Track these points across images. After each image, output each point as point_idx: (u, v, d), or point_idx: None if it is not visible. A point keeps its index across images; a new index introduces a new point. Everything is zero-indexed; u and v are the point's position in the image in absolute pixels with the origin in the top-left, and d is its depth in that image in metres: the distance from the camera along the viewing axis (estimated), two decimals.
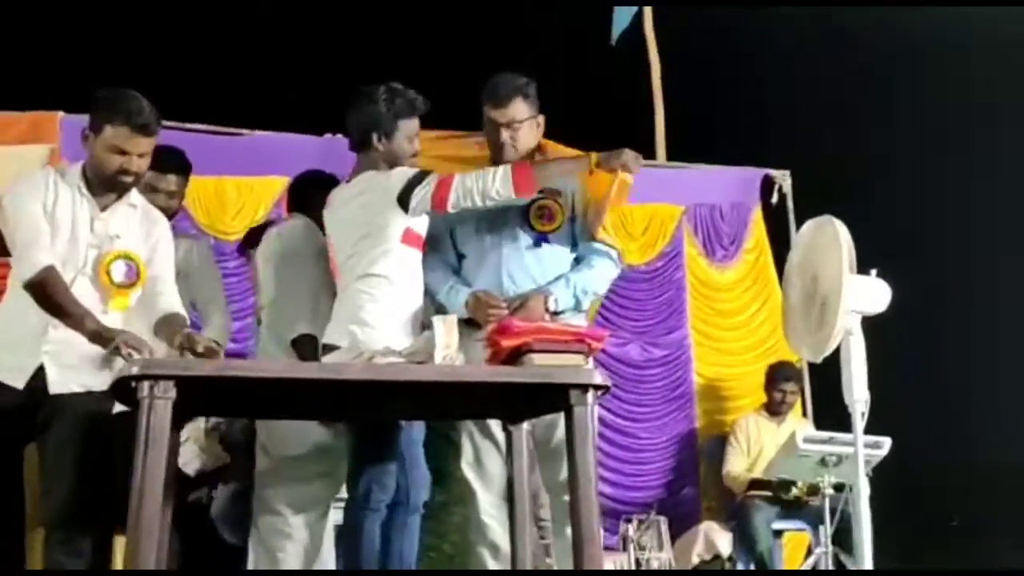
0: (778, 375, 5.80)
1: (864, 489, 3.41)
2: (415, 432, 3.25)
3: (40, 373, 2.95)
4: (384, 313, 3.09)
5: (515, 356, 2.79)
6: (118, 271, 3.03)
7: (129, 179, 3.07)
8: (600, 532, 2.52)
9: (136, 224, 3.14)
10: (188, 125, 5.69)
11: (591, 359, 2.82)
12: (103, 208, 3.09)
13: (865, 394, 3.37)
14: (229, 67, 6.17)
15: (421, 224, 3.24)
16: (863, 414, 3.39)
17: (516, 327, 2.76)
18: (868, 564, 3.24)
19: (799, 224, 6.46)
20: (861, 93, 6.32)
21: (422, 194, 3.14)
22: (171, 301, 3.09)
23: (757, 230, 6.59)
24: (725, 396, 6.34)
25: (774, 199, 6.54)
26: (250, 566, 3.49)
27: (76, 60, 5.81)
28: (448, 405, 2.92)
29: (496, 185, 3.12)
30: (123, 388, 2.35)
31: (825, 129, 6.04)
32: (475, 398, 2.78)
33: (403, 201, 3.15)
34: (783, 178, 6.57)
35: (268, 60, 6.10)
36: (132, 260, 3.06)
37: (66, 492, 2.90)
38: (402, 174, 3.20)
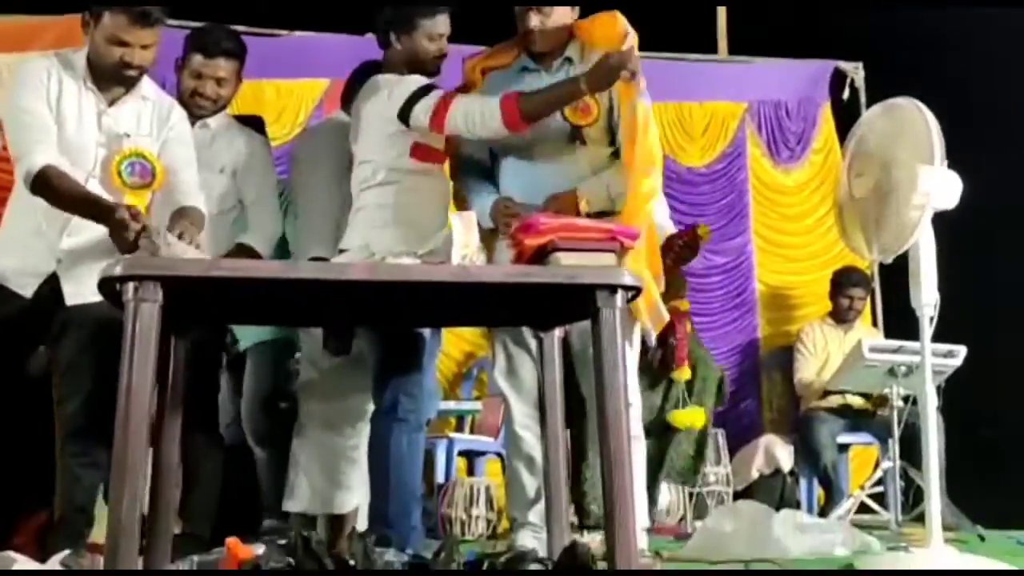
0: (844, 280, 5.47)
1: (932, 401, 3.11)
2: (427, 342, 3.07)
3: (51, 281, 2.81)
4: (400, 219, 2.94)
5: (540, 256, 2.55)
6: (129, 171, 2.80)
7: (132, 72, 2.84)
8: (630, 454, 2.29)
9: (147, 118, 2.93)
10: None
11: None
12: (111, 102, 2.88)
13: (935, 296, 3.05)
14: None
15: (434, 137, 3.04)
16: (932, 319, 3.08)
17: (540, 224, 2.51)
18: (935, 482, 2.97)
19: None
20: None
21: (421, 111, 2.96)
22: (185, 194, 2.90)
23: (826, 128, 6.21)
24: (789, 305, 6.05)
25: (845, 94, 6.15)
26: (290, 481, 3.33)
27: None
28: (469, 311, 2.71)
29: (486, 118, 2.92)
30: (110, 288, 2.18)
31: (902, 16, 5.56)
32: (497, 303, 2.56)
33: (403, 116, 2.98)
34: (855, 71, 6.17)
35: None
36: (145, 159, 2.81)
37: (81, 402, 2.79)
38: (407, 85, 3.01)
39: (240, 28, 5.44)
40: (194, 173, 2.99)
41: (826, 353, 5.41)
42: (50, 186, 2.72)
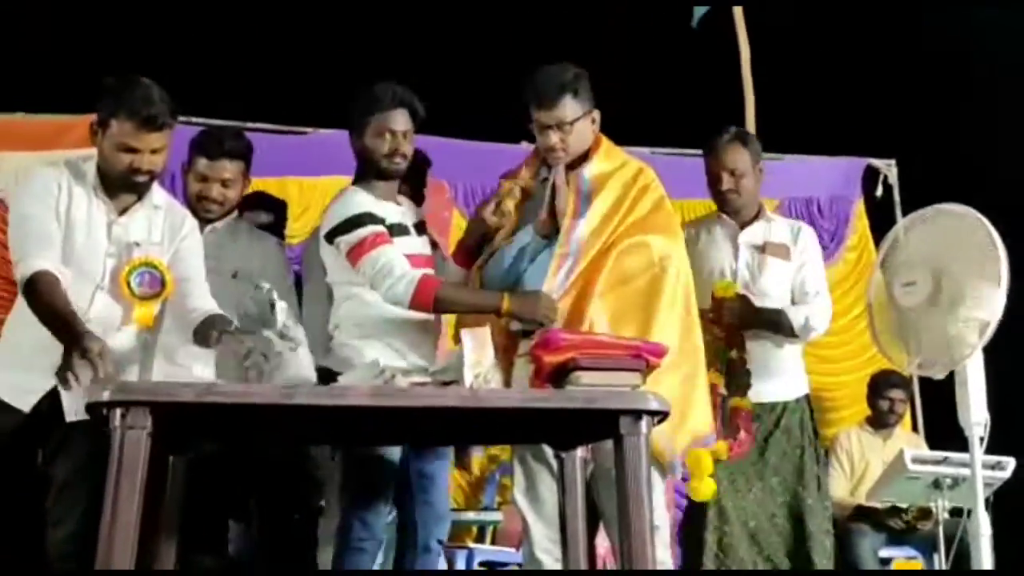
0: (883, 382, 5.23)
1: (985, 524, 2.89)
2: (428, 465, 2.90)
3: (51, 396, 2.66)
4: (379, 331, 2.87)
5: (560, 374, 2.40)
6: (139, 281, 2.71)
7: (142, 178, 2.74)
8: None
9: (159, 227, 2.81)
10: (249, 124, 5.48)
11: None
12: (121, 211, 2.77)
13: (985, 416, 2.86)
14: (291, 64, 5.93)
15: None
16: (982, 439, 2.88)
17: (560, 340, 2.37)
18: None
19: None
20: (975, 71, 5.70)
21: (343, 243, 2.89)
22: (203, 303, 2.77)
23: (859, 225, 6.07)
24: (824, 408, 5.78)
25: (878, 191, 6.01)
26: None
27: (137, 60, 5.62)
28: (482, 430, 2.54)
29: (396, 286, 2.82)
30: (98, 412, 2.04)
31: (935, 113, 5.46)
32: (513, 422, 2.40)
33: (329, 239, 2.94)
34: (888, 168, 6.05)
35: (331, 56, 5.83)
36: (155, 268, 2.73)
37: (72, 528, 2.63)
38: (345, 207, 2.94)
39: (264, 126, 5.54)
40: (202, 280, 2.87)
41: (864, 463, 5.15)
42: (36, 292, 2.59)
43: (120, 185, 2.75)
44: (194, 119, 5.41)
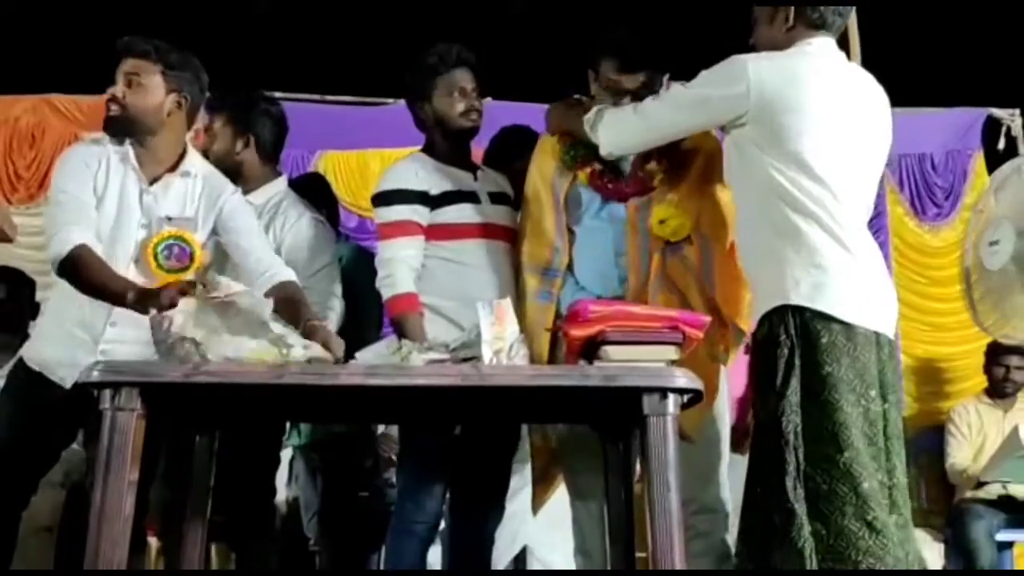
0: (999, 348, 4.79)
1: None
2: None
3: None
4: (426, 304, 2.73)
5: (591, 349, 2.20)
6: (166, 254, 2.64)
7: (113, 108, 2.68)
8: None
9: (194, 197, 2.73)
10: (328, 97, 5.45)
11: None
12: (152, 181, 2.71)
13: None
14: (368, 34, 5.84)
15: (439, 214, 2.80)
16: None
17: (588, 312, 2.17)
18: None
19: None
20: None
21: (375, 220, 2.90)
22: (274, 269, 2.69)
23: (979, 182, 5.58)
24: (940, 380, 5.42)
25: (1001, 144, 5.52)
26: None
27: (214, 40, 5.64)
28: (506, 411, 2.37)
29: (384, 287, 2.79)
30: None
31: None
32: (535, 402, 2.22)
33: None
34: (1012, 118, 5.55)
35: (412, 25, 5.70)
36: (184, 241, 2.66)
37: None
38: (381, 179, 2.93)
39: (343, 98, 5.48)
40: (263, 244, 2.79)
41: (982, 436, 4.75)
42: (79, 266, 2.54)
43: (150, 156, 2.70)
44: (276, 93, 5.42)
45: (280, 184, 3.07)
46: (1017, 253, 2.63)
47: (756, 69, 2.40)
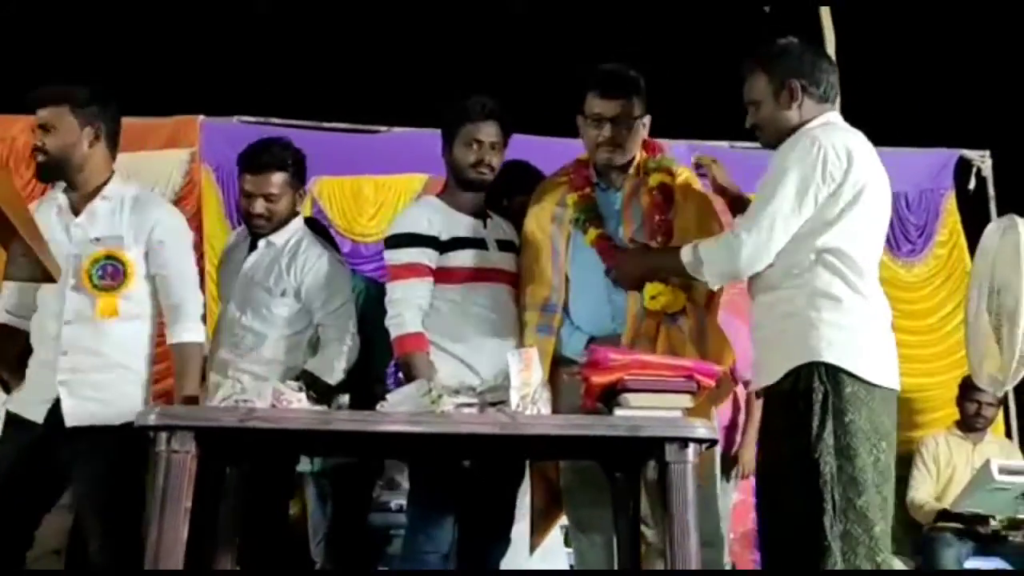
0: (972, 384, 4.98)
1: None
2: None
3: (57, 405, 2.75)
4: (442, 347, 2.87)
5: (610, 395, 2.35)
6: (100, 274, 2.80)
7: (39, 157, 2.86)
8: None
9: (123, 220, 2.87)
10: (324, 124, 5.54)
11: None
12: (77, 211, 2.88)
13: None
14: (364, 63, 5.95)
15: (448, 259, 2.93)
16: None
17: (609, 360, 2.32)
18: None
19: (1002, 213, 5.70)
20: None
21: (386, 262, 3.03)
22: (176, 326, 2.84)
23: (950, 220, 5.81)
24: (913, 410, 5.58)
25: (971, 184, 5.74)
26: None
27: (215, 65, 5.73)
28: (528, 450, 2.51)
29: (392, 326, 2.91)
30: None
31: None
32: (558, 444, 2.36)
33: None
34: (982, 159, 5.77)
35: (405, 54, 5.83)
36: (114, 259, 2.81)
37: (100, 544, 2.69)
38: (394, 223, 3.09)
39: (338, 125, 5.59)
40: (184, 274, 2.90)
41: (951, 467, 4.96)
42: None
43: (72, 188, 2.89)
44: (273, 120, 5.53)
45: (299, 223, 3.18)
46: (983, 308, 2.81)
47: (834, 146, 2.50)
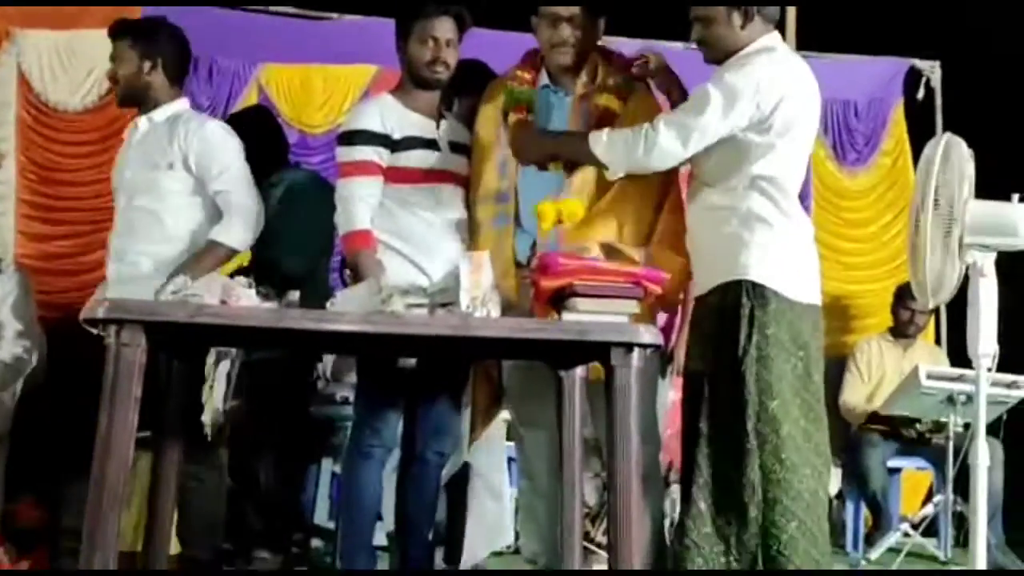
0: (906, 291, 5.11)
1: (984, 455, 2.89)
2: (436, 382, 2.97)
3: None
4: (392, 246, 2.89)
5: (559, 298, 2.39)
6: None
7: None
8: (641, 513, 2.15)
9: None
10: (272, 8, 5.38)
11: None
12: None
13: (993, 348, 2.84)
14: None
15: (399, 158, 2.92)
16: (990, 369, 2.86)
17: (559, 265, 2.35)
18: (983, 526, 2.91)
19: (949, 126, 5.78)
20: None
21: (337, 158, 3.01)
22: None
23: (897, 130, 5.88)
24: (848, 315, 5.76)
25: (920, 94, 5.80)
26: None
27: None
28: (477, 350, 2.56)
29: (341, 221, 2.93)
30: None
31: (981, 13, 5.22)
32: (507, 344, 2.40)
33: None
34: (931, 70, 5.82)
35: None
36: None
37: None
38: (347, 119, 3.10)
39: (287, 10, 5.42)
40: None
41: (881, 371, 5.13)
42: None
43: None
44: (218, 5, 5.35)
45: (183, 104, 3.19)
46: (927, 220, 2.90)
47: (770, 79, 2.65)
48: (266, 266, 3.16)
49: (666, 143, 2.66)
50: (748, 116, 2.65)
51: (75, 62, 5.18)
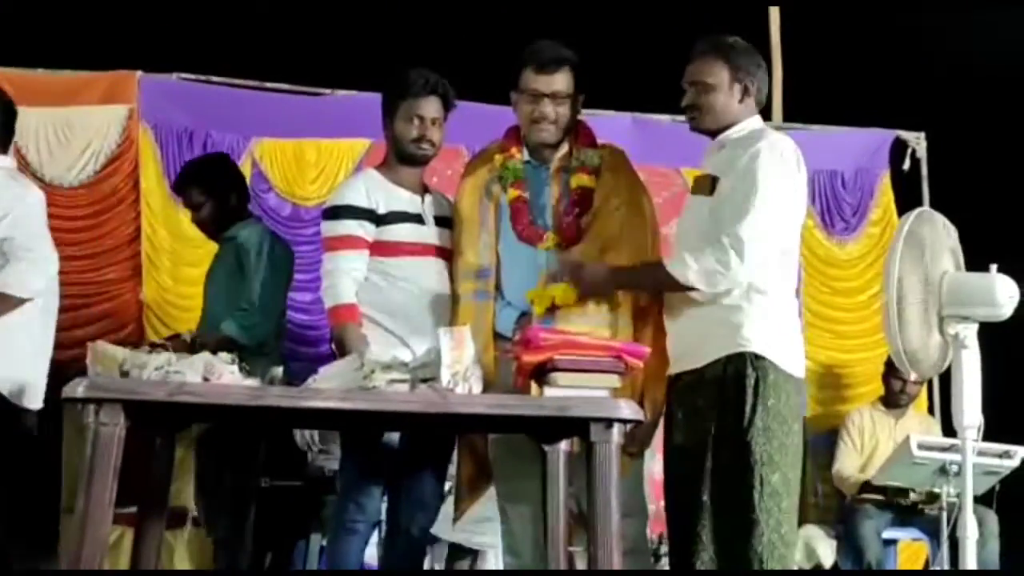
0: None
1: (972, 527, 2.88)
2: (419, 456, 2.96)
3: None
4: (375, 319, 2.92)
5: (540, 373, 2.40)
6: None
7: None
8: None
9: None
10: (267, 84, 5.46)
11: None
12: None
13: (978, 419, 2.85)
14: (308, 23, 5.87)
15: (384, 232, 2.95)
16: (976, 441, 2.86)
17: (540, 339, 2.36)
18: None
19: (935, 195, 5.85)
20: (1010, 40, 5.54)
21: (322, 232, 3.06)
22: None
23: (884, 199, 5.93)
24: (840, 384, 5.75)
25: (906, 165, 5.87)
26: None
27: (155, 20, 5.61)
28: (457, 424, 2.56)
29: (327, 298, 2.96)
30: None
31: (966, 85, 5.31)
32: (489, 420, 2.41)
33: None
34: (917, 141, 5.89)
35: (350, 14, 5.76)
36: None
37: None
38: (334, 194, 3.15)
39: (281, 86, 5.51)
40: None
41: (874, 441, 5.12)
42: None
43: None
44: (214, 79, 5.44)
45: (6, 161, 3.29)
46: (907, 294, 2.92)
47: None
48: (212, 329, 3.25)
49: (739, 263, 2.59)
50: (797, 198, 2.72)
51: (72, 137, 5.24)
